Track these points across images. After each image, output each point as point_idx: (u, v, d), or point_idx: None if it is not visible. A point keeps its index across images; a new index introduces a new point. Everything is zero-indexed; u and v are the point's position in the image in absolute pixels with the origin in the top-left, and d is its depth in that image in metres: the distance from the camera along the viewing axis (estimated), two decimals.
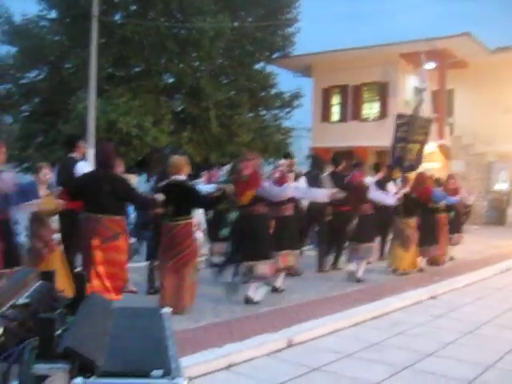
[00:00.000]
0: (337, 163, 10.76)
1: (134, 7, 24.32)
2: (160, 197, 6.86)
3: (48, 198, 6.41)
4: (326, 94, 25.39)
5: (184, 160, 7.43)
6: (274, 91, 27.37)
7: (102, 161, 6.61)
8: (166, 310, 2.64)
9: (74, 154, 7.90)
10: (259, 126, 25.66)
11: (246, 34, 24.67)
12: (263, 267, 7.48)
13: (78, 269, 6.91)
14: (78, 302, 2.37)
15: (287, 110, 27.79)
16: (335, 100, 25.58)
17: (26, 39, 23.56)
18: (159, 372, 1.81)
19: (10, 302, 2.05)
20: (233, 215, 7.76)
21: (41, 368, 1.73)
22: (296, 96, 27.49)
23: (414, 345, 6.18)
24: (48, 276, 2.56)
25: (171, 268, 6.91)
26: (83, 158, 7.97)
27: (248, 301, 7.56)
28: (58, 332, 1.88)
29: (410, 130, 12.47)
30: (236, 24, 24.57)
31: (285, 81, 27.72)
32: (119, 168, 7.52)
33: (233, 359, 5.37)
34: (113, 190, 6.35)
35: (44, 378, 1.73)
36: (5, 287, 2.14)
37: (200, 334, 6.00)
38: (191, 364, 4.91)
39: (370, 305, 7.81)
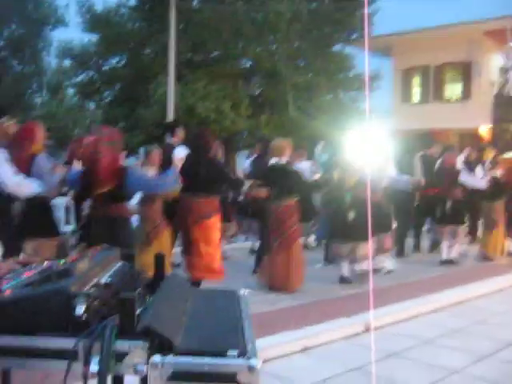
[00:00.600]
0: (428, 146, 10.59)
1: None
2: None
3: None
4: (407, 75, 24.79)
5: (286, 143, 7.66)
6: (352, 73, 26.96)
7: (199, 145, 6.93)
8: (244, 291, 2.67)
9: (173, 140, 8.26)
10: (337, 108, 25.37)
11: (324, 16, 24.35)
12: (365, 248, 7.63)
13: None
14: (158, 281, 2.43)
15: (367, 91, 27.33)
16: (416, 81, 24.95)
17: (107, 27, 24.21)
18: (235, 352, 1.83)
19: (93, 281, 2.12)
20: (347, 196, 7.81)
21: (121, 345, 1.78)
22: (375, 77, 26.99)
23: (495, 333, 6.00)
24: (129, 256, 2.64)
25: (278, 248, 7.18)
26: (181, 143, 8.27)
27: (343, 280, 7.81)
28: (138, 311, 1.94)
29: (508, 110, 12.06)
30: (313, 5, 24.29)
31: (363, 62, 27.27)
32: (219, 151, 7.71)
33: (309, 342, 5.38)
34: (207, 171, 6.65)
35: (124, 354, 1.78)
36: (88, 267, 2.22)
37: (276, 317, 6.04)
38: (267, 346, 4.95)
39: (451, 290, 7.64)
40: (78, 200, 6.29)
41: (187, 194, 6.56)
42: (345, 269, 7.96)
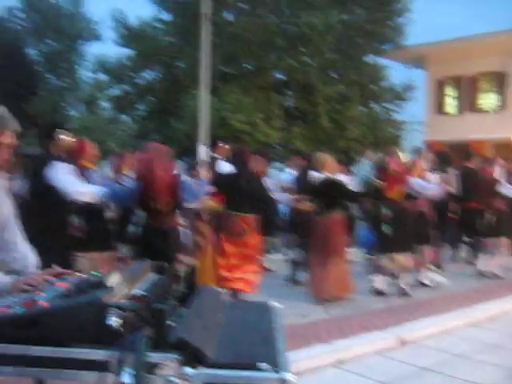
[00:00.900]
0: (468, 158, 10.51)
1: (243, 5, 24.62)
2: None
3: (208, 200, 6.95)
4: (441, 86, 24.56)
5: (328, 157, 7.86)
6: (385, 84, 26.80)
7: (241, 161, 7.06)
8: (276, 304, 2.66)
9: (217, 154, 8.51)
10: (370, 120, 25.21)
11: (356, 27, 24.28)
12: (406, 259, 7.82)
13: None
14: (190, 293, 2.44)
15: (399, 102, 27.13)
16: (450, 91, 24.70)
17: (142, 41, 24.51)
18: (266, 365, 1.83)
19: (126, 293, 2.14)
20: (384, 210, 7.87)
21: (154, 357, 1.79)
22: (408, 88, 26.77)
23: None
24: (162, 268, 2.65)
25: (324, 259, 7.32)
26: (224, 157, 8.51)
27: (378, 292, 7.83)
28: (171, 323, 1.94)
29: None
30: (345, 17, 24.26)
31: (396, 73, 27.08)
32: (264, 168, 7.80)
33: (341, 356, 5.34)
34: (248, 190, 6.78)
35: (156, 366, 1.79)
36: (121, 279, 2.23)
37: (309, 330, 6.01)
38: (299, 359, 4.92)
39: (488, 304, 7.50)
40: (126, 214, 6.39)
41: (228, 210, 6.79)
42: (380, 281, 7.93)
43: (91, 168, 5.97)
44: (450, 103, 24.74)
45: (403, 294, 7.90)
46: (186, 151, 8.47)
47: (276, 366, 1.85)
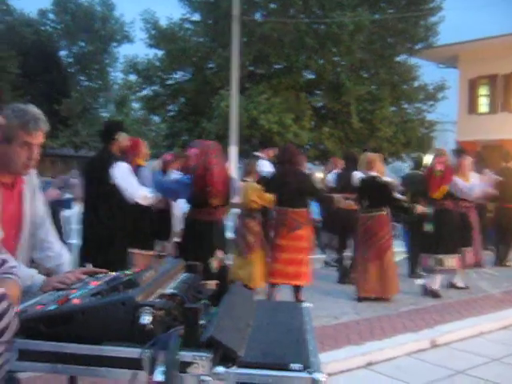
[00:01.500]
0: (507, 158, 10.46)
1: (273, 5, 24.61)
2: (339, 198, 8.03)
3: (264, 194, 7.17)
4: (473, 85, 24.22)
5: (376, 157, 7.96)
6: (416, 84, 26.55)
7: (288, 159, 7.22)
8: (307, 304, 2.65)
9: (260, 153, 8.85)
10: (401, 120, 24.99)
11: (387, 26, 24.10)
12: (452, 260, 7.85)
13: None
14: (222, 293, 2.44)
15: (431, 102, 26.84)
16: (483, 91, 24.33)
17: (172, 42, 24.67)
18: (298, 365, 1.82)
19: (158, 292, 2.15)
20: (428, 210, 7.97)
21: (185, 355, 1.79)
22: (440, 88, 26.46)
23: None
24: (193, 267, 2.66)
25: (371, 257, 7.48)
26: (266, 157, 8.79)
27: (433, 294, 7.87)
28: (203, 322, 1.94)
29: None
30: (376, 16, 24.09)
31: (428, 73, 26.82)
32: (304, 165, 7.99)
33: (373, 358, 5.30)
34: (297, 185, 6.96)
35: (188, 364, 1.79)
36: (154, 277, 2.25)
37: (340, 331, 5.97)
38: (330, 360, 4.91)
39: None
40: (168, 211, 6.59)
41: (280, 206, 7.07)
42: (435, 282, 8.01)
43: (143, 165, 6.22)
44: (483, 103, 24.38)
45: (434, 295, 7.85)
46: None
47: (308, 366, 1.83)
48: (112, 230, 5.40)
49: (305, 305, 2.65)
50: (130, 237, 5.77)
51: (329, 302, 7.31)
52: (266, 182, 7.33)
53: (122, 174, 5.39)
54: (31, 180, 2.91)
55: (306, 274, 7.07)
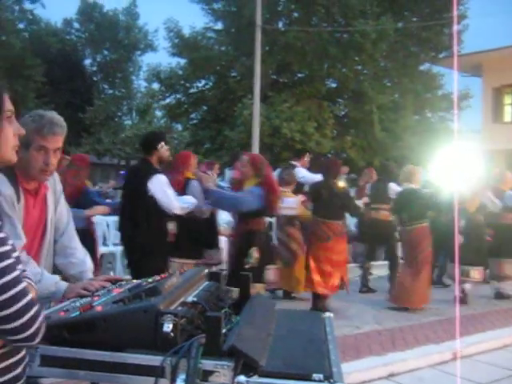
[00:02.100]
0: None
1: (296, 14, 24.66)
2: (365, 199, 8.27)
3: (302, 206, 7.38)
4: (498, 94, 23.98)
5: (416, 169, 8.11)
6: (440, 92, 26.38)
7: (324, 171, 7.54)
8: (328, 314, 2.63)
9: (295, 162, 9.00)
10: (425, 129, 24.83)
11: (411, 35, 24.01)
12: (477, 272, 8.07)
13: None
14: (243, 302, 2.43)
15: (455, 111, 26.66)
16: (508, 100, 24.08)
17: (194, 51, 24.80)
18: (320, 376, 1.80)
19: (181, 300, 2.15)
20: (461, 223, 8.01)
21: (207, 364, 1.79)
22: (464, 97, 26.27)
23: None
24: (215, 276, 2.65)
25: (410, 269, 7.60)
26: (302, 165, 8.95)
27: (461, 300, 7.86)
28: (224, 330, 1.94)
29: None
30: (399, 25, 24.00)
31: (452, 81, 26.63)
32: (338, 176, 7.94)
33: (394, 368, 5.24)
34: (330, 198, 7.12)
35: (210, 373, 1.78)
36: (176, 285, 2.25)
37: (361, 341, 5.93)
38: (352, 370, 4.86)
39: None
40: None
41: (315, 216, 7.26)
42: (469, 289, 8.12)
43: (193, 178, 6.28)
44: (508, 111, 24.12)
45: (463, 302, 7.91)
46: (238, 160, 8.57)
47: (330, 377, 1.82)
48: (150, 240, 5.47)
49: (326, 314, 2.63)
50: (173, 246, 5.96)
51: (351, 312, 7.26)
52: (307, 192, 7.68)
53: (158, 186, 5.43)
54: (55, 186, 2.91)
55: (330, 285, 7.17)
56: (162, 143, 5.63)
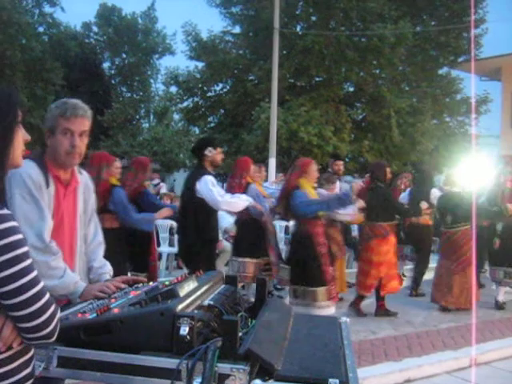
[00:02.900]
0: None
1: (314, 18, 24.62)
2: (424, 205, 8.32)
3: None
4: None
5: (457, 174, 8.50)
6: (459, 97, 26.20)
7: (370, 174, 8.00)
8: (345, 318, 2.62)
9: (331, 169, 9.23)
10: (443, 134, 24.65)
11: (429, 39, 23.86)
12: None
13: None
14: (259, 305, 2.44)
15: (474, 116, 26.44)
16: None
17: (212, 54, 24.83)
18: (336, 381, 1.80)
19: (197, 303, 2.16)
20: (498, 226, 8.32)
21: (223, 367, 1.79)
22: (483, 101, 26.05)
23: None
24: (232, 280, 2.66)
25: (455, 270, 7.84)
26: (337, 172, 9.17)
27: (499, 306, 8.16)
28: (241, 334, 1.94)
29: None
30: (418, 29, 23.87)
31: (470, 85, 26.40)
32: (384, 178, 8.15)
33: (411, 374, 5.22)
34: (372, 200, 7.28)
35: (226, 376, 1.79)
36: (192, 289, 2.25)
37: (377, 346, 5.90)
38: (368, 376, 4.85)
39: None
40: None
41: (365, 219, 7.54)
42: (501, 294, 8.25)
43: (252, 182, 6.93)
44: None
45: (499, 307, 8.12)
46: (256, 163, 8.60)
47: (346, 382, 1.82)
48: (198, 240, 5.77)
49: (343, 319, 2.62)
50: (233, 246, 6.90)
51: (367, 317, 7.23)
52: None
53: (204, 185, 5.71)
54: (87, 182, 2.93)
55: (365, 285, 7.43)
56: (210, 148, 5.87)
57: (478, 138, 26.44)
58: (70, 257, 2.73)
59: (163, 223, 9.70)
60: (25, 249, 1.62)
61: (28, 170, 2.53)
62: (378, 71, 23.81)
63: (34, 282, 1.61)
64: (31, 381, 1.76)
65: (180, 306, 1.95)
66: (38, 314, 1.61)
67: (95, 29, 35.49)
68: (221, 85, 26.78)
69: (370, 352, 5.62)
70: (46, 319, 1.62)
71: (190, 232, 5.81)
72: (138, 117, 35.42)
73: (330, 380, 1.80)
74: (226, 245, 8.17)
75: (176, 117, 33.68)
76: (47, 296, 1.65)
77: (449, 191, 8.24)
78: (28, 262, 1.62)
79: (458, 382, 5.24)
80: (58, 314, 1.69)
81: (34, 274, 1.62)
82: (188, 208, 5.89)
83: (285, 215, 6.91)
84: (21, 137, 1.81)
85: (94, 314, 2.04)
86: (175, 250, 9.17)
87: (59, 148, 2.65)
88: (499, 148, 24.41)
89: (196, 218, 5.76)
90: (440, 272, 8.03)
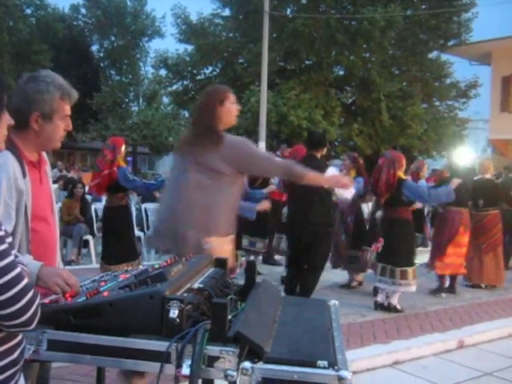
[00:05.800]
0: None
1: (304, 1, 24.50)
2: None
3: None
4: (507, 83, 23.76)
5: (489, 162, 8.91)
6: (448, 81, 26.22)
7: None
8: (334, 301, 2.64)
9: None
10: (433, 118, 24.69)
11: (419, 23, 23.79)
12: None
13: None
14: (249, 288, 2.45)
15: (463, 100, 26.50)
16: None
17: (202, 37, 24.68)
18: (324, 363, 1.81)
19: (187, 286, 2.16)
20: None
21: (212, 350, 1.80)
22: (473, 85, 26.09)
23: None
24: (221, 263, 2.67)
25: (485, 250, 8.38)
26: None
27: None
28: (230, 317, 1.95)
29: None
30: (408, 12, 23.80)
31: (460, 70, 26.45)
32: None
33: (399, 356, 5.26)
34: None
35: (215, 359, 1.80)
36: (182, 272, 2.26)
37: (366, 329, 5.94)
38: (356, 358, 4.88)
39: None
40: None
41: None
42: None
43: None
44: None
45: None
46: None
47: (334, 364, 1.83)
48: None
49: (332, 302, 2.64)
50: None
51: (356, 299, 7.27)
52: None
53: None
54: (46, 159, 2.64)
55: (452, 265, 7.84)
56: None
57: (468, 122, 26.52)
58: (55, 243, 2.59)
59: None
60: (4, 246, 1.59)
61: (5, 161, 2.24)
62: (368, 55, 23.75)
63: (8, 268, 1.58)
64: (17, 367, 1.75)
65: (169, 289, 1.95)
66: (14, 301, 1.57)
67: (83, 11, 35.16)
68: (210, 68, 26.68)
69: (358, 334, 5.66)
70: (23, 306, 1.58)
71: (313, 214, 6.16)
72: (127, 100, 35.23)
73: (319, 362, 1.81)
74: None
75: (165, 100, 33.55)
76: (24, 282, 1.61)
77: (482, 177, 8.60)
78: (1, 247, 1.58)
79: (446, 364, 5.29)
80: (38, 300, 1.66)
81: (10, 259, 1.59)
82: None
83: (389, 205, 6.86)
84: (4, 121, 1.78)
85: (84, 297, 2.04)
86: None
87: (56, 135, 2.43)
88: (488, 132, 24.51)
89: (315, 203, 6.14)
90: (470, 253, 8.29)
